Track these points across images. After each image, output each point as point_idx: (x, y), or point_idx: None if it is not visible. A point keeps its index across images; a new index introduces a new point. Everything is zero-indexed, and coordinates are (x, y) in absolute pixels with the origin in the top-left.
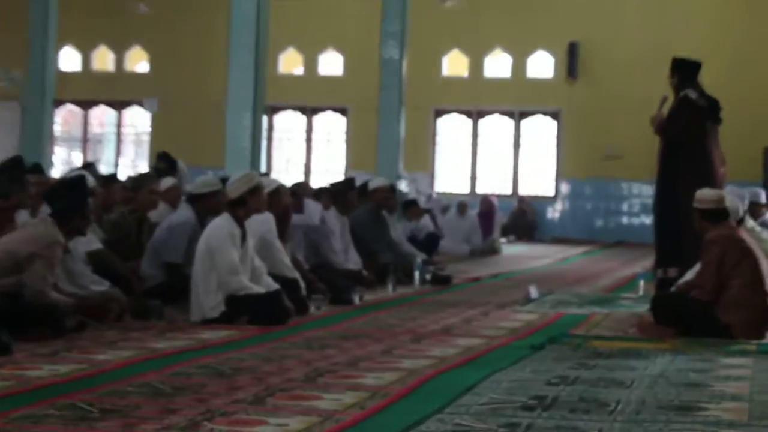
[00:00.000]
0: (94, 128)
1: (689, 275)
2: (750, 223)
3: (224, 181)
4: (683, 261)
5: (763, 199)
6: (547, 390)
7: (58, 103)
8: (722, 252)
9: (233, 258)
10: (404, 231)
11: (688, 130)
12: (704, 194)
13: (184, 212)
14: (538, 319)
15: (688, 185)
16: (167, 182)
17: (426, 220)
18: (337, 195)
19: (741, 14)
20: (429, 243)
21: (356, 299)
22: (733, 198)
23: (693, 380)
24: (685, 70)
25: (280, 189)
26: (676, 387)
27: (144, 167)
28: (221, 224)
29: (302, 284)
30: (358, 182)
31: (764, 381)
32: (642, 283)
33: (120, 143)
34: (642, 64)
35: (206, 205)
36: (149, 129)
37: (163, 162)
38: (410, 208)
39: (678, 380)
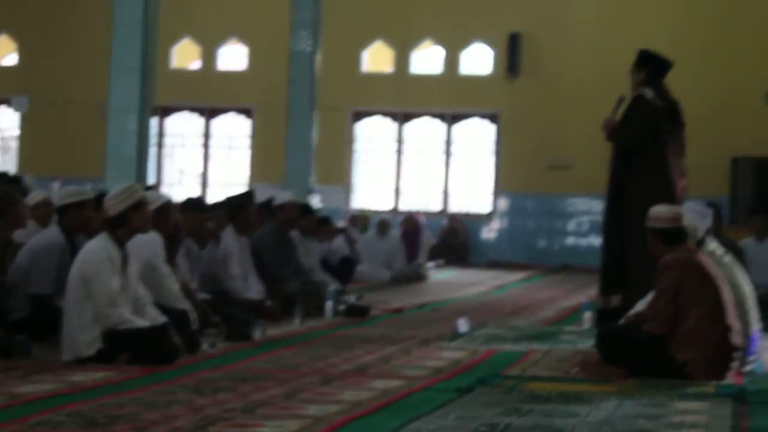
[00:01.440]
0: None
1: (640, 305)
2: (711, 245)
3: (103, 195)
4: (629, 288)
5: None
6: None
7: None
8: (679, 278)
9: (112, 286)
10: (317, 255)
11: (643, 136)
12: (659, 212)
13: (50, 233)
14: (467, 357)
15: (641, 200)
16: (37, 196)
17: (340, 242)
18: (235, 211)
19: (712, 8)
20: (344, 268)
21: (257, 334)
22: (693, 216)
23: (642, 428)
24: (652, 67)
25: (168, 205)
26: None
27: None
28: (98, 247)
29: (194, 317)
30: (263, 196)
31: (721, 429)
32: (588, 314)
33: None
34: (595, 59)
35: (74, 220)
36: (18, 132)
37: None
38: (322, 226)
39: (624, 428)
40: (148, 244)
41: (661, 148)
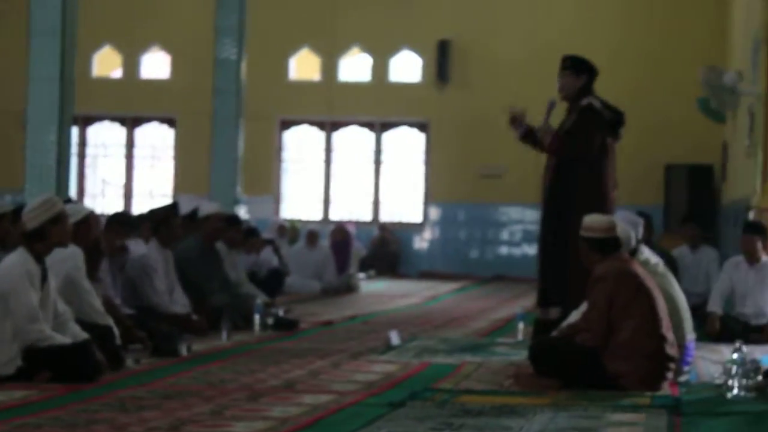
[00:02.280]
0: None
1: (573, 316)
2: (644, 254)
3: (21, 208)
4: (568, 300)
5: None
6: None
7: None
8: (612, 289)
9: (31, 302)
10: (244, 267)
11: (591, 147)
12: (593, 221)
13: None
14: (398, 371)
15: (578, 211)
16: None
17: (268, 253)
18: (159, 224)
19: (642, 15)
20: (272, 280)
21: (183, 350)
22: (625, 225)
23: None
24: (592, 73)
25: (89, 218)
26: None
27: None
28: (16, 262)
29: (117, 332)
30: (188, 208)
31: None
32: (522, 325)
33: None
34: (525, 66)
35: None
36: None
37: None
38: (249, 238)
39: None
40: (68, 258)
41: (603, 159)
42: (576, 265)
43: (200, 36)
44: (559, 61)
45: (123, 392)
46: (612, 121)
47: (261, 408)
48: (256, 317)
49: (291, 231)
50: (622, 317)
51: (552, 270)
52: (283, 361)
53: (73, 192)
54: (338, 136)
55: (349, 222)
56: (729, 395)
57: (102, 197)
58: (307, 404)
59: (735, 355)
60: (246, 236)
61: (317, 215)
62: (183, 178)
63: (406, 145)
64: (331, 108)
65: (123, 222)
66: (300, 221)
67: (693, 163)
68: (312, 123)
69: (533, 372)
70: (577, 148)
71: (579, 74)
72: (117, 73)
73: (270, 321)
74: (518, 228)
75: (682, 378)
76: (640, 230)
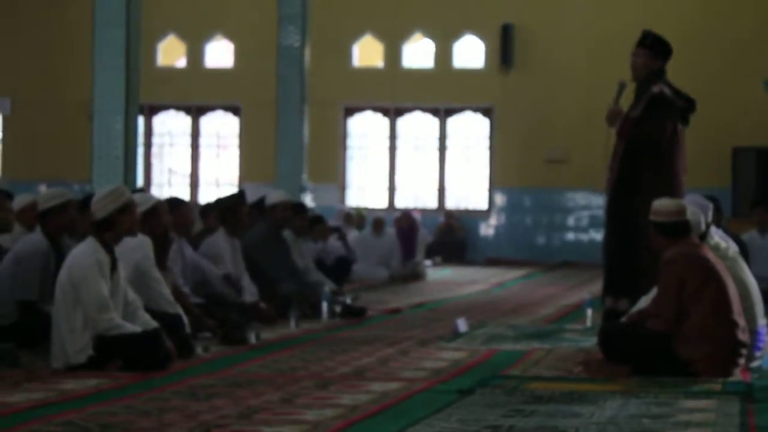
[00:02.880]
0: None
1: (643, 302)
2: (714, 238)
3: (89, 198)
4: (638, 289)
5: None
6: None
7: None
8: (683, 274)
9: (102, 291)
10: (310, 253)
11: (663, 135)
12: (663, 205)
13: (33, 237)
14: (467, 358)
15: (648, 198)
16: (23, 199)
17: (334, 241)
18: (226, 212)
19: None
20: (339, 268)
21: (252, 338)
22: (695, 209)
23: (647, 428)
24: (663, 55)
25: (158, 207)
26: None
27: None
28: (86, 251)
29: (186, 321)
30: (254, 196)
31: (728, 428)
32: (590, 312)
33: None
34: (590, 50)
35: (57, 222)
36: (0, 134)
37: None
38: (315, 225)
39: (630, 428)
40: (137, 247)
41: (673, 145)
42: (647, 254)
43: (263, 24)
44: (630, 40)
45: (193, 380)
46: (683, 108)
47: (330, 396)
48: (324, 305)
49: (357, 218)
50: (692, 302)
51: (620, 259)
52: (352, 349)
53: (140, 181)
54: (402, 122)
55: (415, 209)
56: None
57: (168, 186)
58: (376, 392)
59: None
60: (312, 224)
61: (383, 203)
62: (248, 167)
63: (471, 131)
64: (395, 94)
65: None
66: (366, 209)
67: (761, 146)
68: (376, 109)
69: (603, 358)
70: (647, 136)
71: (656, 57)
72: (181, 62)
73: (338, 309)
74: (585, 214)
75: (754, 364)
76: (710, 214)
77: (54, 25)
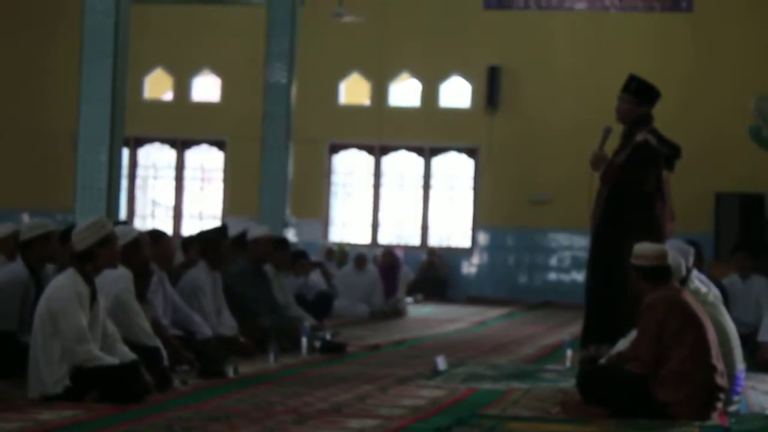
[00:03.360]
0: None
1: (622, 344)
2: (695, 283)
3: (71, 229)
4: (620, 334)
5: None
6: None
7: None
8: (662, 318)
9: (80, 323)
10: (293, 289)
11: (647, 184)
12: (644, 249)
13: (13, 268)
14: (445, 396)
15: (632, 242)
16: (4, 229)
17: (316, 276)
18: (207, 246)
19: (691, 43)
20: (320, 304)
21: (230, 371)
22: (676, 254)
23: None
24: (647, 100)
25: (139, 240)
26: None
27: None
28: (65, 282)
29: (164, 353)
30: (236, 230)
31: None
32: (570, 352)
33: None
34: (574, 93)
35: (38, 253)
36: None
37: None
38: (297, 261)
39: None
40: (118, 280)
41: (656, 192)
42: (629, 303)
43: (251, 60)
44: (614, 84)
45: (170, 413)
46: (668, 155)
47: (307, 431)
48: (304, 340)
49: (339, 254)
50: (671, 346)
51: (602, 304)
52: (330, 385)
53: (123, 213)
54: (387, 160)
55: (397, 246)
56: None
57: (152, 218)
58: (353, 428)
59: None
60: (294, 259)
61: (366, 239)
62: (232, 201)
63: (455, 170)
64: (381, 132)
65: (159, 236)
66: (348, 245)
67: (744, 192)
68: (361, 147)
69: (581, 400)
70: (630, 184)
71: (641, 103)
72: (168, 95)
73: (317, 344)
74: (567, 254)
75: (732, 408)
76: (691, 259)
77: (41, 55)
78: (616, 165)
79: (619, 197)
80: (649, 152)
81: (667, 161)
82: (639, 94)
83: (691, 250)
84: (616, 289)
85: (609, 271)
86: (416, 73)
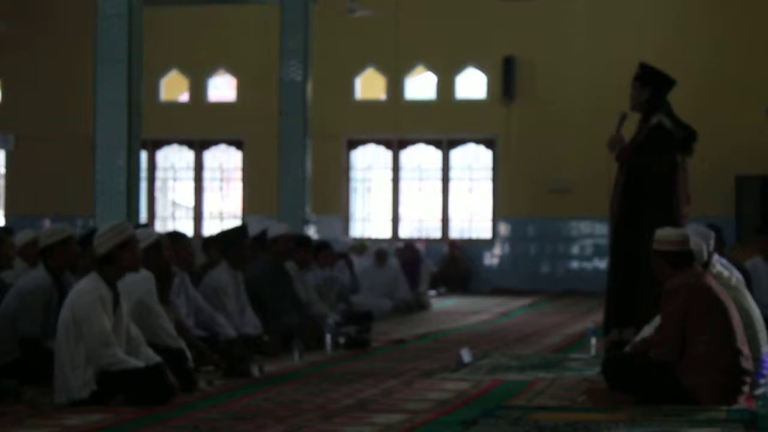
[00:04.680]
0: None
1: (646, 331)
2: (717, 267)
3: (92, 234)
4: (641, 318)
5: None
6: None
7: None
8: (686, 303)
9: (105, 327)
10: (318, 281)
11: (661, 166)
12: (666, 234)
13: (36, 274)
14: (471, 389)
15: (650, 228)
16: (25, 236)
17: (340, 269)
18: (228, 246)
19: (708, 27)
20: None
21: (255, 371)
22: (697, 238)
23: None
24: (659, 85)
25: (159, 242)
26: None
27: None
28: (88, 287)
29: (189, 355)
30: (257, 229)
31: None
32: (594, 340)
33: None
34: (591, 80)
35: (59, 258)
36: (3, 170)
37: None
38: (321, 251)
39: None
40: (140, 283)
41: (674, 175)
42: (649, 284)
43: (265, 58)
44: (631, 71)
45: (196, 414)
46: (684, 138)
47: (334, 428)
48: (328, 337)
49: (359, 249)
50: (696, 331)
51: (624, 289)
52: (356, 381)
53: (143, 216)
54: (406, 154)
55: (419, 240)
56: None
57: (172, 220)
58: (380, 424)
59: None
60: (318, 250)
61: (387, 233)
62: (252, 200)
63: (474, 162)
64: (398, 126)
65: (179, 237)
66: (369, 240)
67: (764, 174)
68: (379, 142)
69: (607, 387)
70: (646, 167)
71: (643, 86)
72: (184, 96)
73: (342, 340)
74: (588, 242)
75: (758, 391)
76: (712, 243)
77: (57, 60)
78: (631, 147)
79: (636, 183)
80: (663, 134)
81: (683, 145)
82: (641, 78)
83: (712, 234)
84: (636, 273)
85: (629, 255)
86: (431, 66)
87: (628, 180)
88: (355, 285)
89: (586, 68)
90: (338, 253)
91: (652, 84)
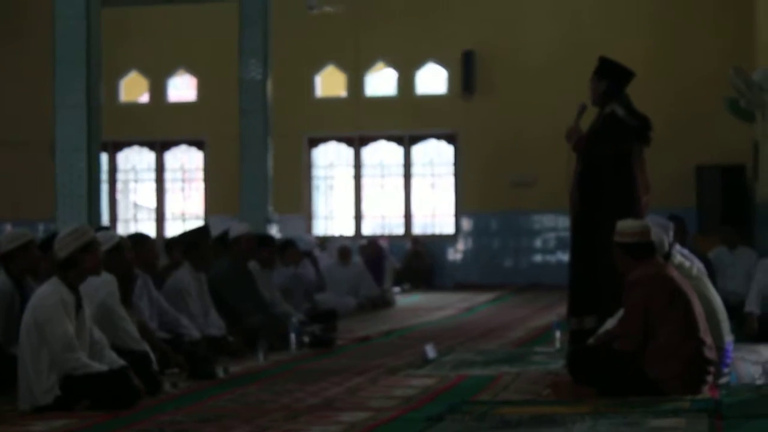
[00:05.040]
0: None
1: (609, 323)
2: (678, 257)
3: (53, 238)
4: (602, 308)
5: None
6: None
7: None
8: (648, 294)
9: (67, 331)
10: (284, 279)
11: (614, 154)
12: (627, 226)
13: None
14: (436, 384)
15: (608, 216)
16: None
17: (305, 267)
18: (190, 247)
19: (669, 17)
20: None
21: (220, 372)
22: (657, 229)
23: None
24: (614, 78)
25: (121, 244)
26: None
27: None
28: (49, 291)
29: (153, 357)
30: (218, 229)
31: None
32: (558, 333)
33: None
34: (551, 74)
35: (20, 263)
36: None
37: None
38: (286, 250)
39: None
40: (102, 285)
41: (629, 164)
42: (608, 270)
43: (225, 57)
44: (591, 63)
45: (162, 417)
46: (638, 128)
47: (300, 428)
48: (292, 336)
49: (321, 244)
50: (658, 322)
51: (584, 277)
52: (321, 380)
53: (105, 218)
54: (367, 151)
55: (382, 237)
56: None
57: (134, 222)
58: (345, 422)
59: None
60: (283, 248)
61: (350, 231)
62: (214, 200)
63: (436, 157)
64: (359, 123)
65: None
66: (332, 237)
67: (725, 164)
68: (340, 139)
69: (571, 380)
70: (599, 156)
71: (600, 78)
72: (144, 97)
73: (306, 339)
74: (552, 236)
75: (722, 380)
76: (672, 234)
77: (16, 63)
78: (586, 136)
79: (592, 172)
80: (615, 122)
81: (639, 134)
82: (598, 71)
83: (671, 225)
84: (595, 262)
85: (588, 243)
86: (391, 62)
87: (584, 169)
88: (321, 283)
89: (546, 61)
90: (303, 252)
91: (609, 76)
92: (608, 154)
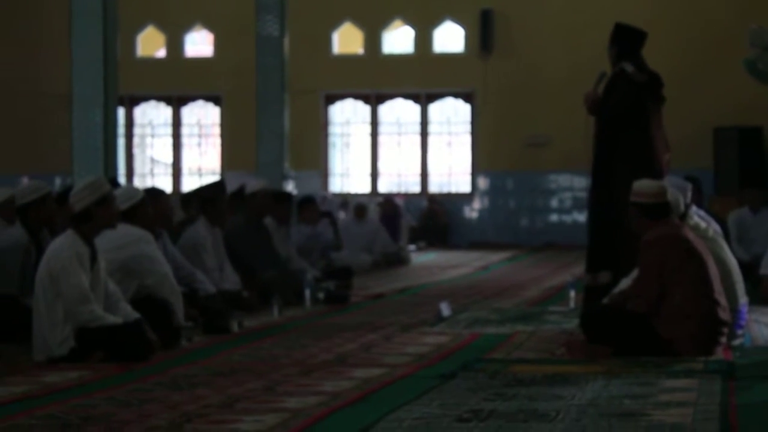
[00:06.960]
0: None
1: (624, 283)
2: (694, 219)
3: (69, 191)
4: (617, 265)
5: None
6: (456, 428)
7: None
8: (663, 255)
9: (82, 283)
10: (301, 238)
11: (626, 111)
12: (643, 186)
13: (12, 232)
14: (450, 342)
15: (626, 175)
16: (2, 194)
17: (324, 226)
18: (206, 202)
19: None
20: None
21: (234, 326)
22: (674, 190)
23: (628, 409)
24: (626, 40)
25: (145, 200)
26: (608, 418)
27: None
28: (65, 244)
29: (179, 309)
30: (235, 185)
31: (710, 407)
32: (573, 293)
33: None
34: (569, 34)
35: (36, 216)
36: None
37: None
38: (304, 206)
39: (610, 410)
40: (140, 238)
41: (646, 122)
42: (625, 230)
43: (242, 13)
44: (609, 25)
45: (175, 370)
46: (648, 83)
47: (313, 383)
48: (307, 292)
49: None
50: (673, 282)
51: (601, 234)
52: (335, 336)
53: (121, 172)
54: (384, 108)
55: (398, 194)
56: None
57: (151, 177)
58: (358, 378)
59: None
60: (301, 204)
61: (366, 188)
62: (230, 156)
63: (452, 116)
64: (376, 81)
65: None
66: (349, 195)
67: (742, 125)
68: (357, 97)
69: (585, 340)
70: (610, 111)
71: (612, 43)
72: (161, 52)
73: (321, 295)
74: (567, 195)
75: (736, 342)
76: (689, 195)
77: (31, 16)
78: (599, 98)
79: (609, 131)
80: (624, 79)
81: (650, 90)
82: (611, 36)
83: (689, 186)
84: (613, 221)
85: (606, 203)
86: (409, 20)
87: (600, 130)
88: (338, 243)
89: (564, 22)
90: (322, 212)
91: (620, 40)
92: (620, 113)
